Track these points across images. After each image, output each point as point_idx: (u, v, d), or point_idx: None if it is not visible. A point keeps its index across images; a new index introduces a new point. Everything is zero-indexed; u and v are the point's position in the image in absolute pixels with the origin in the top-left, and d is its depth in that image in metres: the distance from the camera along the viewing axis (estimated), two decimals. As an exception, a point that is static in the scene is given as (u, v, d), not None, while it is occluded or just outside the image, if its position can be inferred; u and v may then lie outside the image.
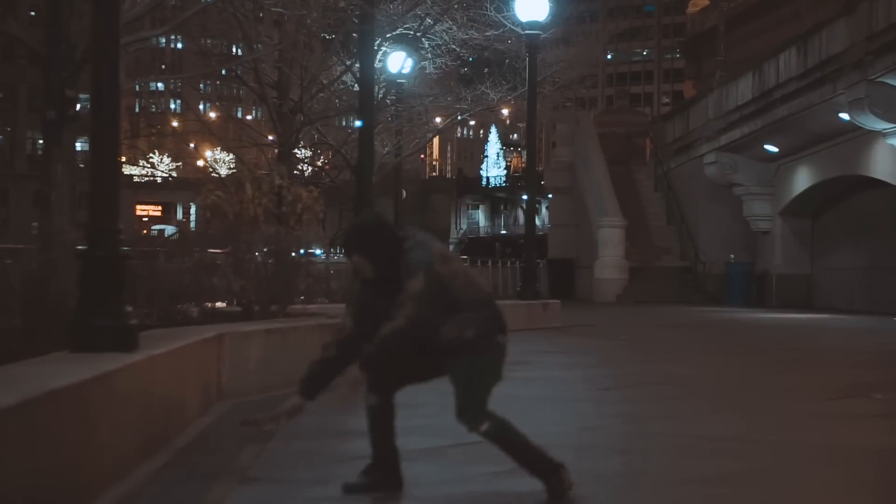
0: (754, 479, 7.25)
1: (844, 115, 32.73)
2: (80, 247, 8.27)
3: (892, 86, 30.61)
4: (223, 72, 31.24)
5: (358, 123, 27.38)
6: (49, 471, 5.38)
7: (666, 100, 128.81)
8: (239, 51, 29.70)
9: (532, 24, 24.39)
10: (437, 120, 37.86)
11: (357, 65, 22.63)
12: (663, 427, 9.60)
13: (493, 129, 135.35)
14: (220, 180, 22.87)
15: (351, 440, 8.54)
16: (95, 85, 7.71)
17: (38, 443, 5.20)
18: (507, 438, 6.39)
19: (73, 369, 6.15)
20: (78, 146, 13.09)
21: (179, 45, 56.02)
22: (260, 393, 11.02)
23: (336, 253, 23.28)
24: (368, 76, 16.32)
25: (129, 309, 7.59)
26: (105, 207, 7.61)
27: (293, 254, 14.36)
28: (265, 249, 13.82)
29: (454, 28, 26.52)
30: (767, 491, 6.93)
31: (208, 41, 31.08)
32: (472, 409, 6.33)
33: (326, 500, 6.44)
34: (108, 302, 7.42)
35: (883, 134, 32.35)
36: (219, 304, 13.63)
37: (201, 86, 43.19)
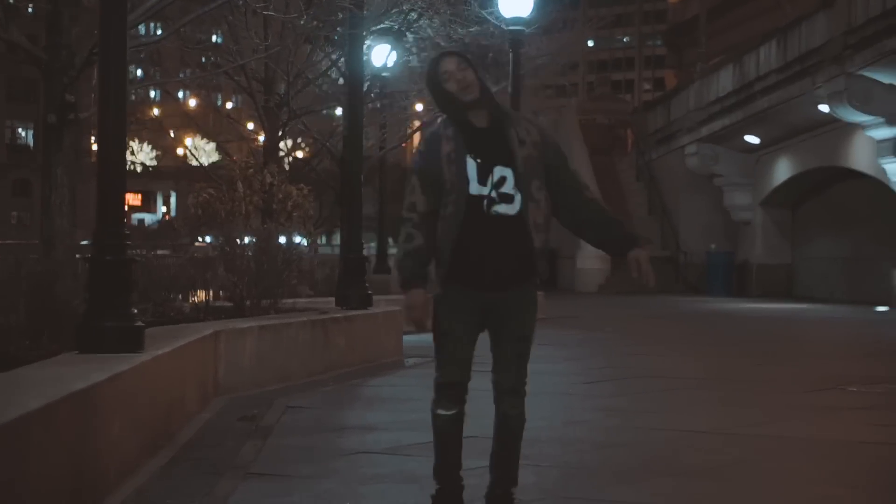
0: (735, 472, 7.52)
1: (824, 108, 33.16)
2: (83, 242, 8.53)
3: (871, 79, 31.02)
4: (203, 60, 31.28)
5: (338, 111, 27.50)
6: (70, 468, 5.68)
7: (647, 87, 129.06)
8: (219, 40, 29.73)
9: (516, 21, 24.53)
10: (419, 107, 37.87)
11: (342, 59, 22.79)
12: (647, 421, 9.89)
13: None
14: (207, 173, 23.01)
15: (347, 435, 8.87)
16: (102, 93, 7.96)
17: (60, 442, 5.50)
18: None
19: (87, 372, 6.43)
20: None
21: (159, 32, 55.75)
22: (254, 388, 11.36)
23: (319, 241, 23.43)
24: (357, 79, 16.49)
25: (135, 311, 7.88)
26: (112, 213, 7.90)
27: (282, 248, 14.68)
28: (254, 244, 14.13)
29: (437, 23, 26.66)
30: (747, 483, 7.22)
31: (186, 28, 30.97)
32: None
33: (328, 493, 6.72)
34: (115, 304, 7.70)
35: (862, 126, 32.77)
36: (209, 298, 13.98)
37: (180, 74, 43.11)
